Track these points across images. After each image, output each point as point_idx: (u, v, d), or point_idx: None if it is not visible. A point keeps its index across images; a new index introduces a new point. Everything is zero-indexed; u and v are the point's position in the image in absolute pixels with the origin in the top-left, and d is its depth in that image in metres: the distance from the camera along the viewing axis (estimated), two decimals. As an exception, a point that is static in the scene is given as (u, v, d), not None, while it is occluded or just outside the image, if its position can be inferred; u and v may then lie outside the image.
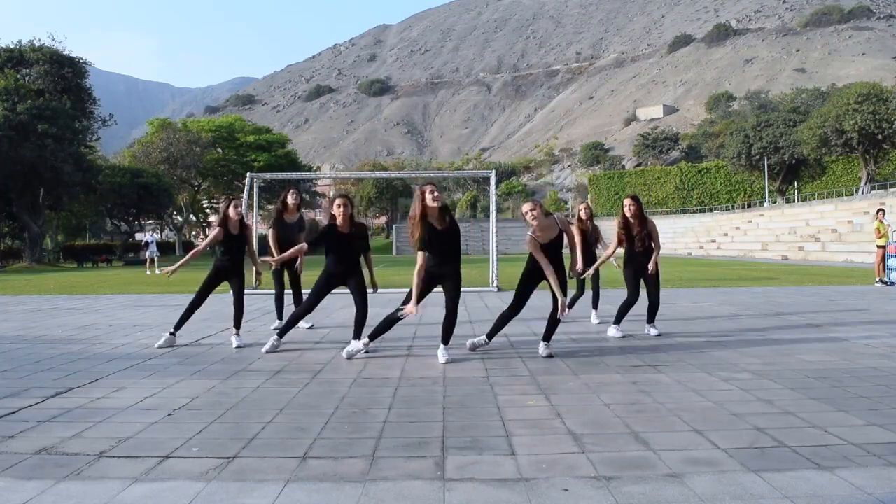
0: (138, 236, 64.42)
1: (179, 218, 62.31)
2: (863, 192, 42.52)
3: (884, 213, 14.98)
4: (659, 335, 6.67)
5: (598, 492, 2.59)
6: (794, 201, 50.85)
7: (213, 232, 6.43)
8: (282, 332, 6.10)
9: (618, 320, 6.84)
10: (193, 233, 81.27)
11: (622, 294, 7.03)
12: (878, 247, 14.43)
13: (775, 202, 52.73)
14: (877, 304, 9.81)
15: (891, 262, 14.20)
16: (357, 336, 5.87)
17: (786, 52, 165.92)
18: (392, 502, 2.53)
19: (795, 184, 54.73)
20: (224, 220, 6.38)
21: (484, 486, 2.67)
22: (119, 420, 3.73)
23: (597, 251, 7.92)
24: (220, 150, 60.21)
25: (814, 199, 47.74)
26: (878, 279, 14.07)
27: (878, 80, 58.64)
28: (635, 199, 6.74)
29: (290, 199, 7.40)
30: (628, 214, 6.68)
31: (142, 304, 11.32)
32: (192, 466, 2.94)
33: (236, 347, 6.29)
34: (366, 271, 5.98)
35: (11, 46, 41.23)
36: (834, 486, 2.62)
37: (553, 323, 5.69)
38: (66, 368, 5.33)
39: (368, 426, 3.55)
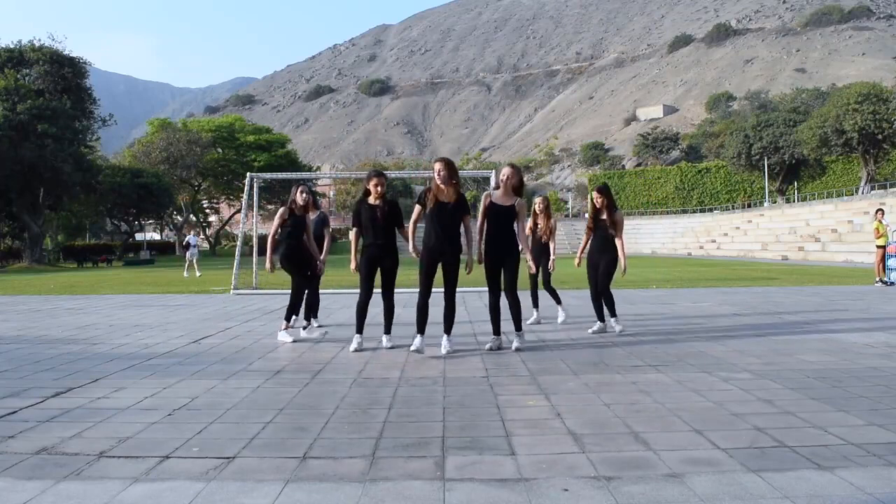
0: (138, 236, 64.46)
1: (179, 218, 62.28)
2: (863, 192, 42.52)
3: (883, 214, 14.99)
4: (621, 331, 6.76)
5: (598, 492, 2.59)
6: (794, 201, 50.84)
7: (278, 214, 6.79)
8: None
9: (601, 316, 7.00)
10: (193, 233, 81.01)
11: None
12: (878, 247, 14.44)
13: (775, 202, 52.73)
14: (877, 304, 9.81)
15: (891, 262, 14.20)
16: (387, 331, 6.13)
17: (786, 52, 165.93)
18: (392, 502, 2.52)
19: (795, 184, 54.73)
20: (293, 203, 6.73)
21: (484, 486, 2.66)
22: (119, 420, 3.73)
23: (550, 245, 7.88)
24: (220, 150, 60.18)
25: (814, 199, 47.73)
26: (878, 279, 14.07)
27: (878, 80, 58.65)
28: (601, 191, 6.91)
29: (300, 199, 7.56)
30: (598, 206, 6.90)
31: (142, 304, 11.32)
32: (192, 466, 2.94)
33: (322, 334, 6.86)
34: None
35: (11, 46, 41.25)
36: (834, 486, 2.62)
37: (516, 313, 5.89)
38: (66, 368, 5.33)
39: (368, 426, 3.54)
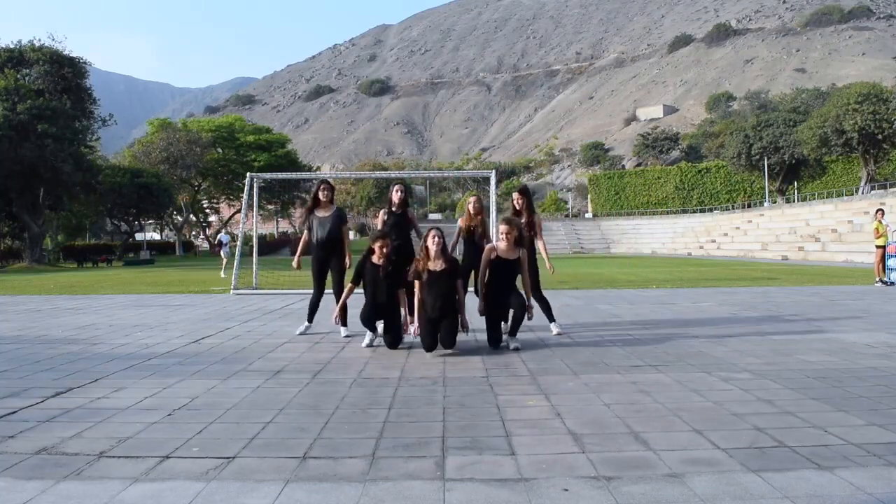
0: (138, 236, 64.46)
1: (179, 218, 62.32)
2: (863, 192, 42.53)
3: (883, 214, 14.98)
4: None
5: (598, 492, 2.59)
6: (794, 201, 50.85)
7: (381, 215, 6.99)
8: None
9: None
10: (193, 233, 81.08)
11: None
12: (878, 247, 14.44)
13: (775, 202, 52.73)
14: (877, 304, 9.81)
15: (891, 262, 14.21)
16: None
17: (786, 52, 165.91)
18: (392, 502, 2.52)
19: (795, 184, 54.75)
20: (391, 203, 6.81)
21: (484, 486, 2.66)
22: (119, 420, 3.73)
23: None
24: (220, 150, 60.24)
25: (814, 199, 47.74)
26: (878, 279, 14.07)
27: (878, 80, 58.71)
28: (522, 192, 6.98)
29: (321, 196, 7.15)
30: (517, 207, 6.87)
31: (142, 304, 11.32)
32: (192, 466, 2.94)
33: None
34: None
35: (11, 46, 41.22)
36: (834, 486, 2.62)
37: (517, 319, 5.95)
38: (66, 368, 5.33)
39: (368, 426, 3.54)
